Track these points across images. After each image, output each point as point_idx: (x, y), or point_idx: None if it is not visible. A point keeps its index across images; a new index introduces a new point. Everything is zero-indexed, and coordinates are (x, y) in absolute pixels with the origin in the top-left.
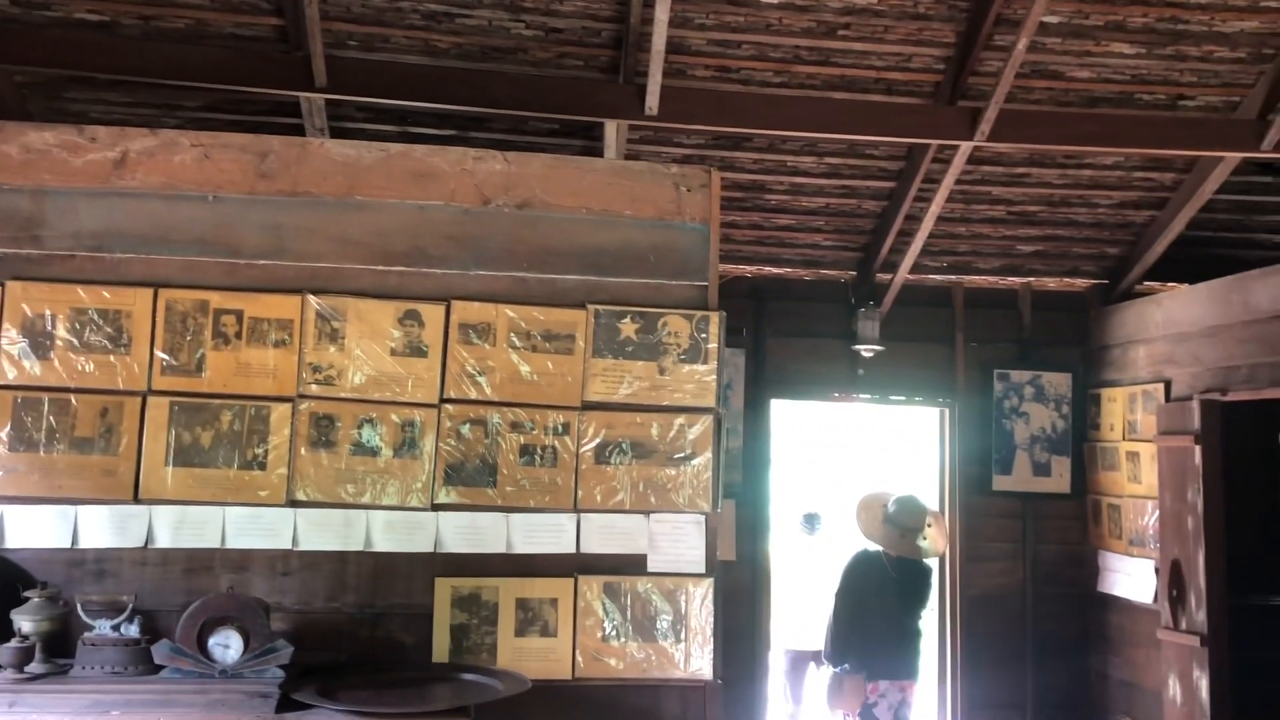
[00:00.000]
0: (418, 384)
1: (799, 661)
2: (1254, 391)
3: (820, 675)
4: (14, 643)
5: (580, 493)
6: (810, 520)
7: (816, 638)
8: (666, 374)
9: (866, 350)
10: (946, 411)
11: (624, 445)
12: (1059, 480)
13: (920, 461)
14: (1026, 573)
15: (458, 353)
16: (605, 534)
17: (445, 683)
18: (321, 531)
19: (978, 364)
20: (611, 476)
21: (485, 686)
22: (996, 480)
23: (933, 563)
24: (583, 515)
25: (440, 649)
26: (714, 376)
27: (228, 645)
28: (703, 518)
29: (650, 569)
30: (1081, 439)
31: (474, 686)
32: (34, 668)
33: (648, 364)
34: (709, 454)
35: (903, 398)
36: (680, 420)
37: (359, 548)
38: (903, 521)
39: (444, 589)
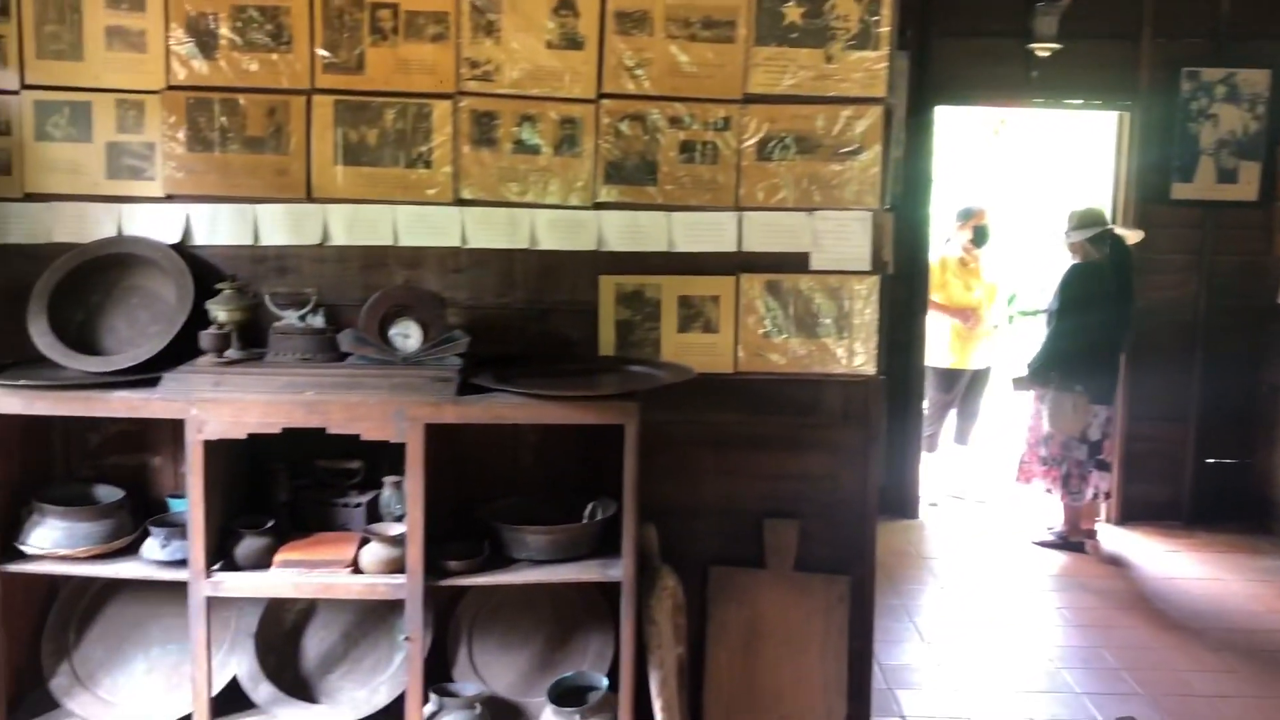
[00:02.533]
0: (575, 79)
1: (950, 380)
2: None
3: (1023, 397)
4: (213, 329)
5: (742, 190)
6: (980, 233)
7: (980, 357)
8: (833, 62)
9: (1042, 49)
10: (1125, 116)
11: (787, 140)
12: (1245, 187)
13: (1091, 171)
14: (1200, 284)
15: (615, 45)
16: (767, 232)
17: (613, 372)
18: (488, 229)
19: (1164, 62)
20: (774, 173)
21: (651, 375)
22: (1176, 189)
23: None
24: (744, 213)
25: (606, 343)
26: (885, 64)
27: (408, 335)
28: (869, 214)
29: (813, 267)
30: (1275, 141)
31: (640, 375)
32: (232, 353)
33: (813, 51)
34: (877, 148)
35: (1079, 101)
36: (847, 112)
37: (525, 245)
38: (1091, 220)
39: (608, 286)
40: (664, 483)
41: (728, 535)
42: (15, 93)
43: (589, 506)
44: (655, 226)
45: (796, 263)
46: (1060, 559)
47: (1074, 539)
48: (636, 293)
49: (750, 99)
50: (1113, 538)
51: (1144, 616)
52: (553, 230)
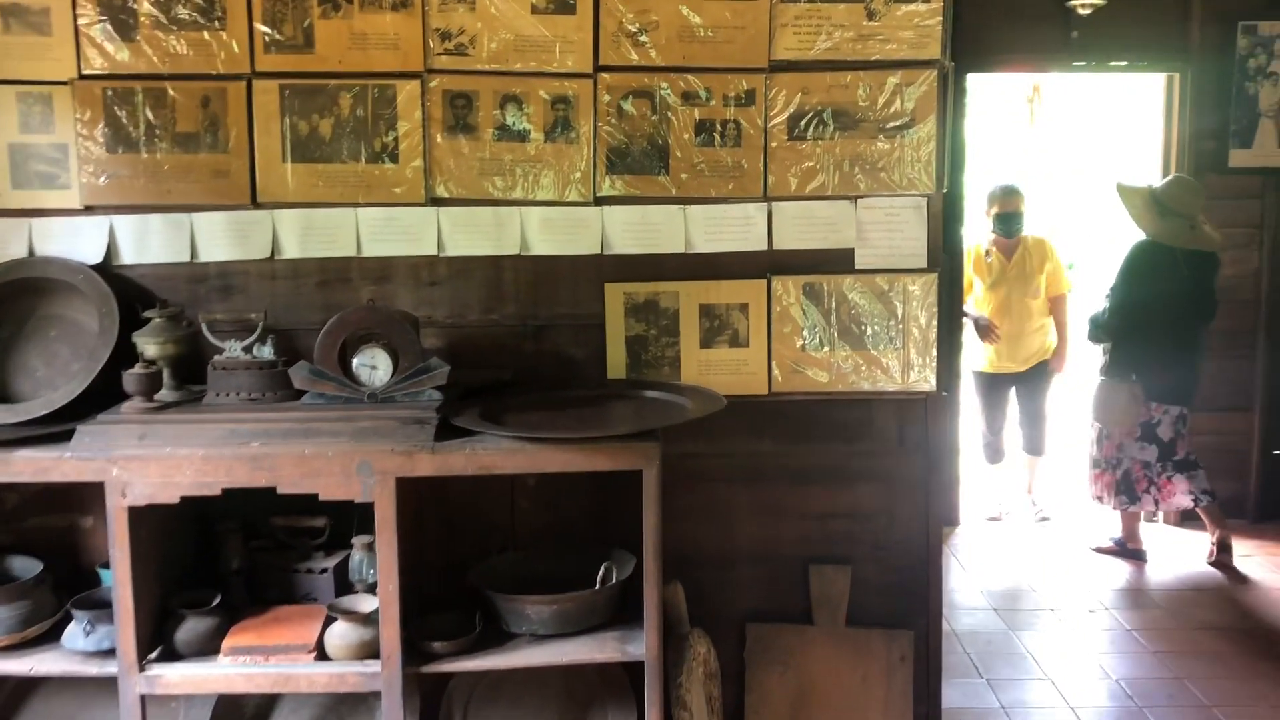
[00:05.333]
0: (567, 49)
1: (996, 384)
2: None
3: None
4: (138, 368)
5: (771, 177)
6: (1008, 221)
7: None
8: (876, 18)
9: (1083, 6)
10: (1176, 77)
11: (824, 115)
12: None
13: (1137, 141)
14: (1262, 260)
15: (613, 6)
16: (802, 225)
17: (625, 401)
18: (470, 233)
19: (1218, 16)
20: (809, 155)
21: (672, 405)
22: (1234, 156)
23: None
24: (774, 204)
25: (616, 364)
26: (938, 19)
27: (374, 365)
28: (924, 201)
29: (858, 265)
30: None
31: (659, 405)
32: (164, 395)
33: (852, 7)
34: (932, 120)
35: (1124, 63)
36: (895, 79)
37: (514, 251)
38: (1186, 206)
39: (615, 296)
40: (690, 527)
41: (767, 586)
42: None
43: (602, 568)
44: (669, 223)
45: (839, 261)
46: (1124, 570)
47: (1133, 546)
48: (650, 302)
49: (778, 66)
50: (1174, 540)
51: (1227, 638)
52: (547, 231)
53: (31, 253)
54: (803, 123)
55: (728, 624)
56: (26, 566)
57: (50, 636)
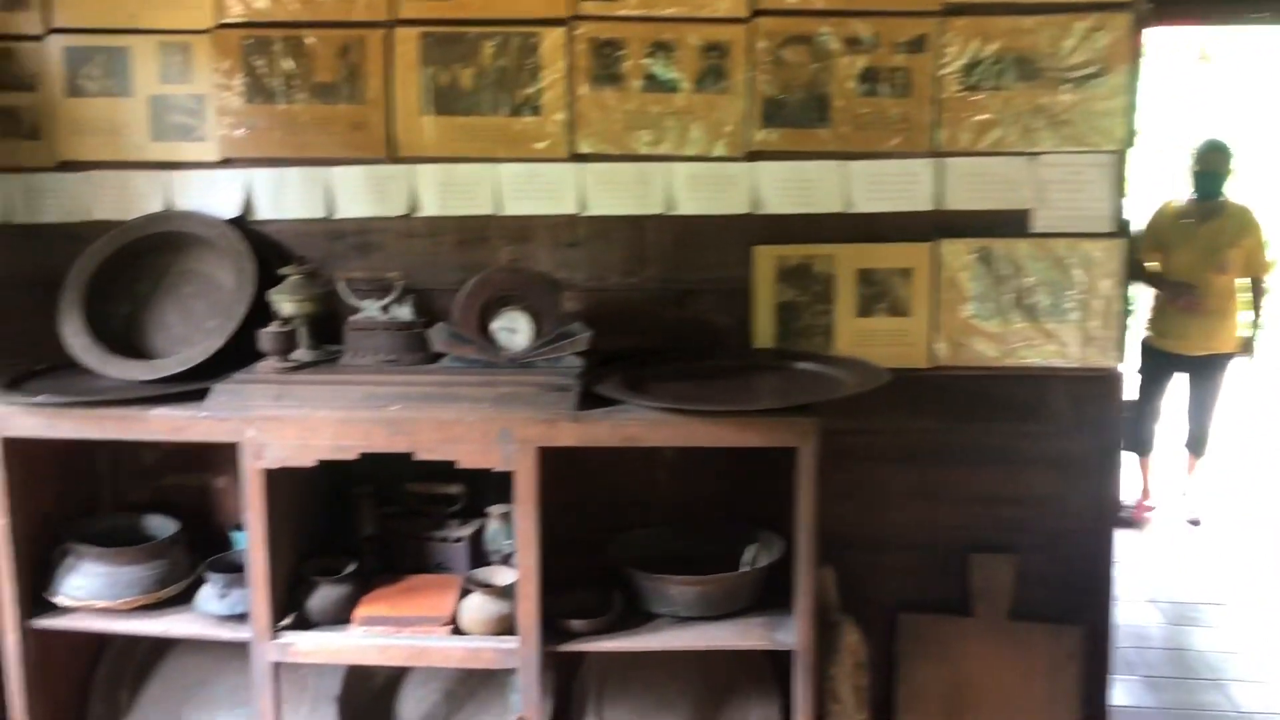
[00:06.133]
0: None
1: (1164, 365)
2: None
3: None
4: (274, 326)
5: (942, 131)
6: (1206, 181)
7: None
8: None
9: None
10: None
11: (1002, 63)
12: None
13: None
14: None
15: None
16: (975, 184)
17: (775, 372)
18: (612, 191)
19: None
20: (984, 106)
21: (827, 378)
22: None
23: None
24: (944, 160)
25: (763, 332)
26: None
27: (514, 329)
28: (1112, 159)
29: (1035, 228)
30: None
31: (813, 378)
32: (300, 354)
33: None
34: (1124, 70)
35: None
36: (1084, 24)
37: (658, 210)
38: None
39: (765, 259)
40: (840, 509)
41: (923, 574)
42: (39, 38)
43: (748, 550)
44: (827, 181)
45: (1014, 223)
46: None
47: None
48: (803, 266)
49: (952, 10)
50: None
51: None
52: (694, 189)
53: (169, 207)
54: (979, 71)
55: (878, 613)
56: (163, 526)
57: (184, 597)
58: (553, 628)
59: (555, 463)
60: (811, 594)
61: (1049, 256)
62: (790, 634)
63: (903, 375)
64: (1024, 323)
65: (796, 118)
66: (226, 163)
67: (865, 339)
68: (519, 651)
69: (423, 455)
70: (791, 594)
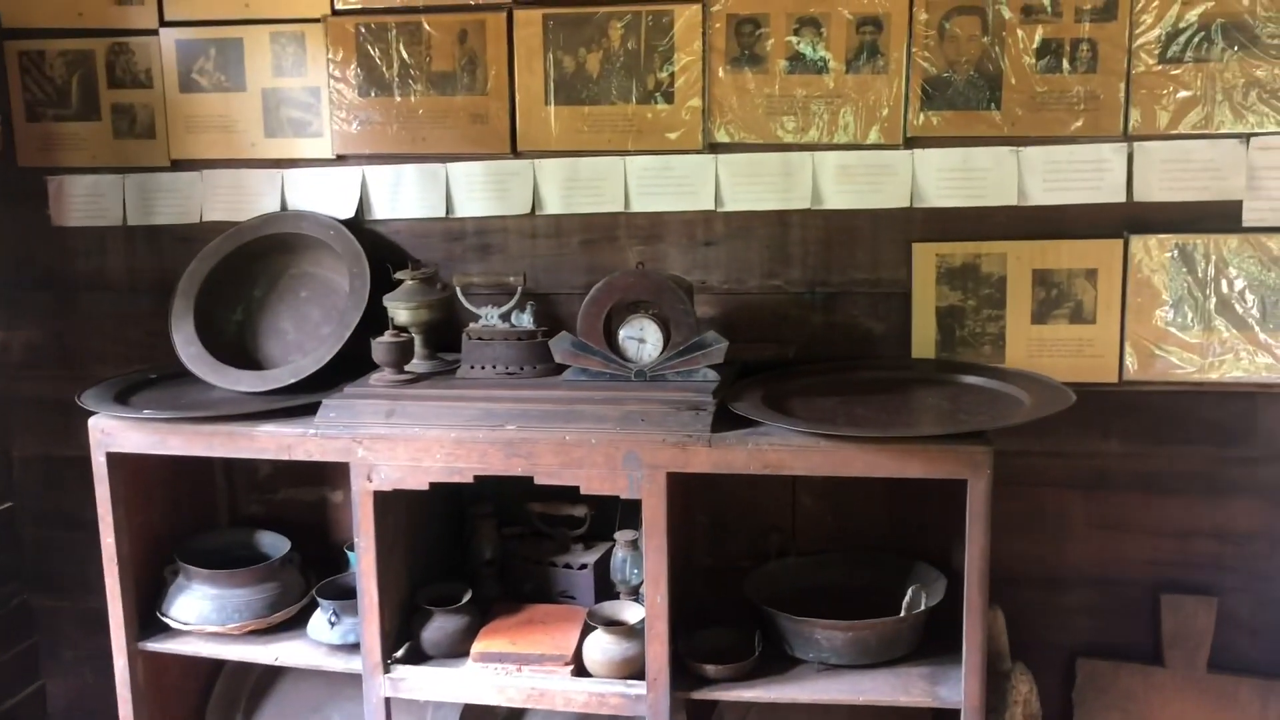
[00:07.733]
0: None
1: None
2: None
3: None
4: (388, 336)
5: (1135, 110)
6: None
7: None
8: None
9: None
10: None
11: (1210, 29)
12: None
13: None
14: None
15: None
16: (1174, 171)
17: (937, 387)
18: (752, 185)
19: None
20: (1186, 81)
21: (1001, 395)
22: None
23: None
24: (1138, 144)
25: (923, 341)
26: None
27: (643, 338)
28: None
29: (1247, 222)
30: None
31: (983, 395)
32: (415, 365)
33: None
34: None
35: None
36: None
37: (804, 205)
38: None
39: (925, 258)
40: (1012, 541)
41: (1104, 616)
42: (154, 32)
43: (909, 591)
44: (998, 170)
45: (1221, 216)
46: None
47: None
48: (969, 266)
49: None
50: None
51: None
52: (844, 180)
53: (284, 206)
54: (1181, 40)
55: (1052, 658)
56: (276, 544)
57: (296, 621)
58: (684, 671)
59: (688, 483)
60: (981, 648)
61: (1262, 255)
62: (956, 690)
63: (1085, 391)
64: (1230, 332)
65: (962, 99)
66: (341, 159)
67: (1041, 349)
68: (647, 698)
69: (542, 480)
70: (956, 639)
